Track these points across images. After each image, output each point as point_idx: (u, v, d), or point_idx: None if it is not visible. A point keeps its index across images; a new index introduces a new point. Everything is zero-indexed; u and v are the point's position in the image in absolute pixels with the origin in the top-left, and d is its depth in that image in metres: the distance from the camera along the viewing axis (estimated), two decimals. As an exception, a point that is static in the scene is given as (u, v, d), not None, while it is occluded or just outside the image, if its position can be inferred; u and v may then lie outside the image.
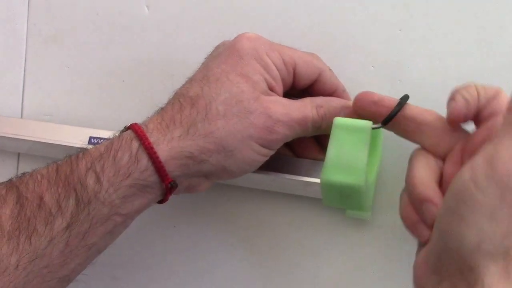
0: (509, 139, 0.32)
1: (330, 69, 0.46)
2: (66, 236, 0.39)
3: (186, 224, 0.52)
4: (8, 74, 0.56)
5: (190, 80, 0.43)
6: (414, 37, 0.48)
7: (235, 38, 0.43)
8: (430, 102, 0.47)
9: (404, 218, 0.39)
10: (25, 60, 0.56)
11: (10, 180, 0.41)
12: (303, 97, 0.45)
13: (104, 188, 0.39)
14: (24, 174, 0.41)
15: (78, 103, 0.55)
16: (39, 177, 0.40)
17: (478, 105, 0.38)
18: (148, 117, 0.42)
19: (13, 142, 0.53)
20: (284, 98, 0.43)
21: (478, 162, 0.32)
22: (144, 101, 0.53)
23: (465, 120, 0.39)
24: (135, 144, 0.40)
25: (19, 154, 0.56)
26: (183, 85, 0.44)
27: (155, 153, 0.40)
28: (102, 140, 0.50)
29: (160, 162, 0.40)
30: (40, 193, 0.39)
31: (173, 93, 0.43)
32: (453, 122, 0.39)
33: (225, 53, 0.43)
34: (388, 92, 0.47)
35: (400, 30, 0.48)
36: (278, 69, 0.43)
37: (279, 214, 0.50)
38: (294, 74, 0.44)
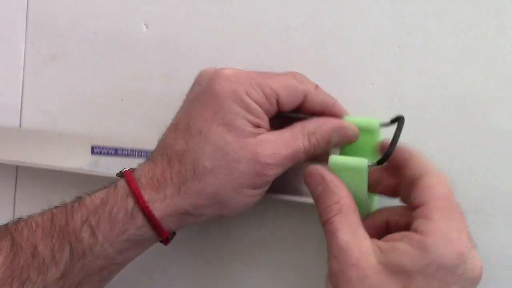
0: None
1: (317, 87, 0.44)
2: (60, 286, 0.40)
3: (184, 243, 0.52)
4: (6, 92, 0.56)
5: (174, 128, 0.43)
6: (413, 55, 0.48)
7: (212, 76, 0.42)
8: (428, 120, 0.47)
9: None
10: (23, 79, 0.56)
11: (6, 226, 0.41)
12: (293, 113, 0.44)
13: (99, 242, 0.40)
14: (19, 220, 0.41)
15: (77, 122, 0.55)
16: (33, 225, 0.40)
17: None
18: (138, 165, 0.43)
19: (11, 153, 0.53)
20: (271, 133, 0.42)
21: None
22: (143, 119, 0.53)
23: None
24: (131, 201, 0.40)
25: (17, 167, 0.55)
26: (168, 133, 0.43)
27: (150, 212, 0.40)
28: (104, 150, 0.50)
29: (155, 220, 0.40)
30: (34, 242, 0.40)
31: (159, 140, 0.43)
32: None
33: (205, 98, 0.42)
34: (387, 110, 0.48)
35: (398, 47, 0.48)
36: (260, 105, 0.42)
37: (280, 229, 0.50)
38: (278, 104, 0.43)
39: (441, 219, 0.37)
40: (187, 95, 0.44)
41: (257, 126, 0.42)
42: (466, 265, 0.36)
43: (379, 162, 0.40)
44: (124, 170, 0.43)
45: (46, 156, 0.52)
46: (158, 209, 0.40)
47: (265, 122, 0.42)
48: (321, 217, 0.41)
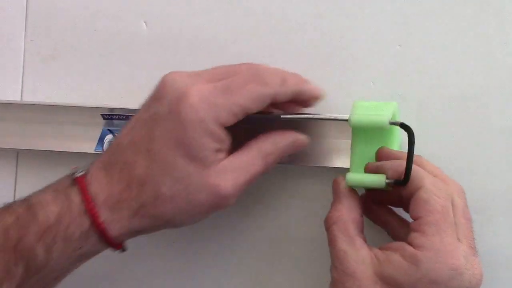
0: None
1: (283, 81, 0.42)
2: None
3: (185, 241, 0.52)
4: (5, 91, 0.56)
5: (134, 144, 0.41)
6: (413, 53, 0.48)
7: (178, 101, 0.40)
8: (430, 118, 0.47)
9: None
10: (23, 77, 0.55)
11: None
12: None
13: (54, 258, 0.40)
14: None
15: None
16: None
17: None
18: (92, 170, 0.41)
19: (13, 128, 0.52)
20: (230, 159, 0.42)
21: None
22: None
23: None
24: (86, 221, 0.40)
25: (18, 153, 0.55)
26: (128, 145, 0.41)
27: (106, 233, 0.40)
28: (115, 116, 0.50)
29: (111, 239, 0.41)
30: None
31: (115, 145, 0.42)
32: None
33: (170, 125, 0.40)
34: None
35: (399, 46, 0.48)
36: (227, 126, 0.41)
37: (282, 225, 0.50)
38: (246, 113, 0.42)
39: (435, 234, 0.38)
40: (146, 102, 0.43)
41: (219, 150, 0.41)
42: (463, 277, 0.37)
43: (397, 185, 0.41)
44: (77, 175, 0.41)
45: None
46: (113, 229, 0.41)
47: (226, 143, 0.42)
48: (324, 225, 0.42)
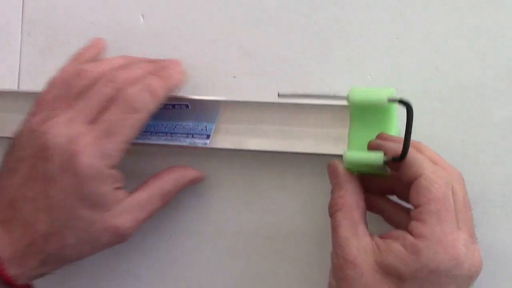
0: None
1: (152, 96, 0.44)
2: None
3: (182, 235, 0.52)
4: (2, 84, 0.55)
5: (27, 198, 0.42)
6: (411, 46, 0.48)
7: (69, 158, 0.42)
8: (427, 111, 0.47)
9: None
10: (20, 71, 0.55)
11: None
12: None
13: None
14: None
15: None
16: None
17: None
18: None
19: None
20: (131, 198, 0.45)
21: None
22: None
23: None
24: None
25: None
26: (23, 203, 0.43)
27: (15, 283, 0.42)
28: None
29: (21, 286, 0.42)
30: None
31: (4, 194, 0.43)
32: None
33: (67, 182, 0.42)
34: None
35: (397, 38, 0.48)
36: (119, 160, 0.43)
37: (282, 221, 0.50)
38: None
39: (435, 223, 0.38)
40: (24, 156, 0.43)
41: (117, 188, 0.44)
42: (463, 265, 0.37)
43: (394, 161, 0.40)
44: None
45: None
46: (22, 278, 0.42)
47: (120, 178, 0.44)
48: (328, 211, 0.42)
